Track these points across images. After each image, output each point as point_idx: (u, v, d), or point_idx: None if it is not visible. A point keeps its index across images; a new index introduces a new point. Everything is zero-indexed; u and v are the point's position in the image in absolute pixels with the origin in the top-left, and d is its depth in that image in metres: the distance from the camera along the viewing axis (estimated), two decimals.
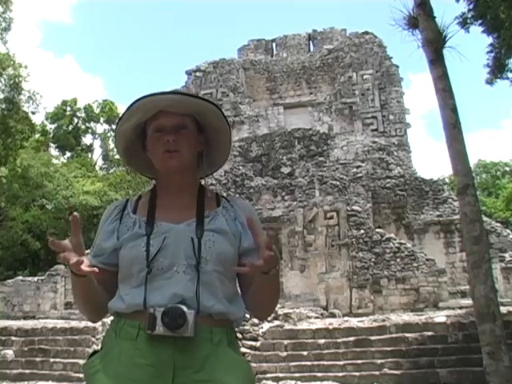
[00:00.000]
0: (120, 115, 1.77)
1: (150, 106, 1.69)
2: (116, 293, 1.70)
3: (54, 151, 40.20)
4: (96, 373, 1.59)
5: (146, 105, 1.69)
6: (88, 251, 1.69)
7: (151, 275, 1.61)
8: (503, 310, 8.28)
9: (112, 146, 41.10)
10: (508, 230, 17.59)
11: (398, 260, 14.90)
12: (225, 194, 18.75)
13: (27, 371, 11.37)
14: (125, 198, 1.88)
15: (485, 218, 14.05)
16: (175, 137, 1.69)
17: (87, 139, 42.82)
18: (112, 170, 39.78)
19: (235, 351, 1.68)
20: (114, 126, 38.90)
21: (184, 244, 1.64)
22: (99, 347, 1.70)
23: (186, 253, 1.63)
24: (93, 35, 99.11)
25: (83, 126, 41.37)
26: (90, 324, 12.00)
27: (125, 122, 1.74)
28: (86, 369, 1.64)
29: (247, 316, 11.36)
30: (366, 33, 23.65)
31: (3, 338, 12.40)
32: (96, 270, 1.53)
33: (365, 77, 22.50)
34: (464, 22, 10.35)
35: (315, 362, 10.07)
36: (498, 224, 18.22)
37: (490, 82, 11.65)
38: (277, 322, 11.34)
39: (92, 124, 41.87)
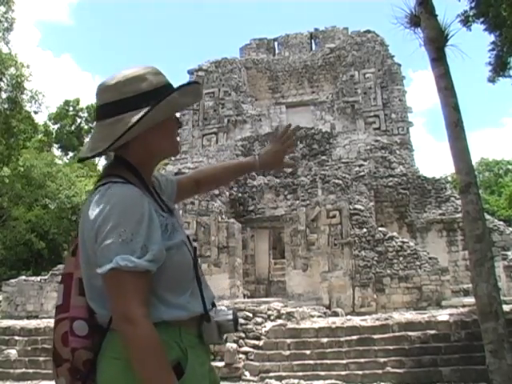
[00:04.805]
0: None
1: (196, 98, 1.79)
2: (152, 299, 1.47)
3: (56, 151, 40.39)
4: None
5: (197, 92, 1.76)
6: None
7: (201, 281, 1.63)
8: (506, 308, 8.27)
9: None
10: (511, 228, 17.55)
11: (401, 258, 14.89)
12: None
13: (30, 371, 11.39)
14: (131, 185, 1.54)
15: (487, 217, 14.03)
16: None
17: None
18: None
19: None
20: None
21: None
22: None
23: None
24: (92, 35, 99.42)
25: (86, 126, 41.41)
26: None
27: (184, 98, 1.68)
28: None
29: (250, 315, 11.35)
30: (368, 31, 23.63)
31: (6, 338, 12.42)
32: None
33: (367, 75, 22.48)
34: (466, 20, 10.33)
35: (318, 361, 10.05)
36: (501, 222, 18.21)
37: (492, 80, 11.62)
38: (280, 321, 11.34)
39: None
